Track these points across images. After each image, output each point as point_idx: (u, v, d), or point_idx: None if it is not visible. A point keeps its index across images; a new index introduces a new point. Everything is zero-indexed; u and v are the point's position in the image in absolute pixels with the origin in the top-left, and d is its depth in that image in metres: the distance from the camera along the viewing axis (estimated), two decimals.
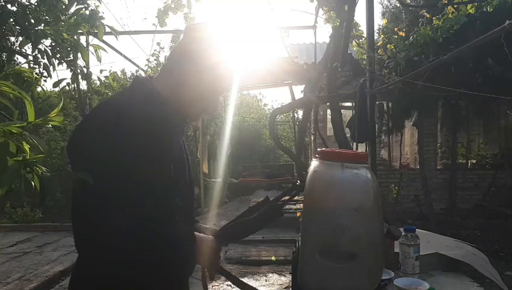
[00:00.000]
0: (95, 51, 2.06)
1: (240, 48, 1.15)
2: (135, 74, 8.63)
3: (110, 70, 7.07)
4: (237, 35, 1.16)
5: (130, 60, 7.54)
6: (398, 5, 7.69)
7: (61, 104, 0.89)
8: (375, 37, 4.69)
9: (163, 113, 1.03)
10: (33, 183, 0.76)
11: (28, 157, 0.75)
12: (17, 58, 2.09)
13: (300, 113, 9.19)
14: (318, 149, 1.17)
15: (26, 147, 0.75)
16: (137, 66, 8.14)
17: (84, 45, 2.19)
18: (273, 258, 4.50)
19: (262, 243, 5.33)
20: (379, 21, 15.59)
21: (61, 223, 6.63)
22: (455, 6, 4.63)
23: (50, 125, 0.83)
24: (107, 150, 0.92)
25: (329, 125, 6.33)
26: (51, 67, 2.01)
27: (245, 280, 4.23)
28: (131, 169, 0.92)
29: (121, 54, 6.73)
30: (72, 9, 2.00)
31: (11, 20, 1.88)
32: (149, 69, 7.99)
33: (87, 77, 2.25)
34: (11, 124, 0.74)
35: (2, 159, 0.69)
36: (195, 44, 1.07)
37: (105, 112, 1.00)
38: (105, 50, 2.14)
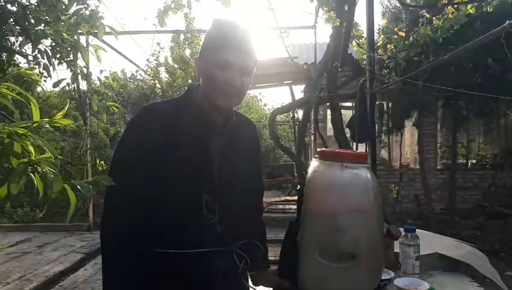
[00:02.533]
0: (95, 51, 2.06)
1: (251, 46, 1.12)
2: (135, 74, 8.63)
3: (110, 70, 7.07)
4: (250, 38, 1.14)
5: (130, 60, 7.54)
6: (398, 5, 7.69)
7: (66, 107, 0.90)
8: (375, 37, 4.70)
9: (182, 115, 1.11)
10: (35, 184, 0.76)
11: (33, 157, 0.75)
12: (17, 58, 2.09)
13: (300, 113, 9.19)
14: (318, 149, 1.17)
15: (31, 147, 0.75)
16: (137, 66, 8.14)
17: (84, 45, 2.18)
18: None
19: None
20: (379, 21, 15.58)
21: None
22: (455, 6, 4.63)
23: (47, 125, 0.84)
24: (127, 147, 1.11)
25: (329, 125, 6.33)
26: (51, 67, 2.01)
27: None
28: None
29: (121, 54, 6.73)
30: (72, 10, 2.00)
31: (11, 20, 1.88)
32: (149, 69, 7.98)
33: (87, 77, 2.25)
34: (17, 124, 0.74)
35: (6, 158, 0.69)
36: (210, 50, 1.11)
37: (140, 110, 1.16)
38: (105, 50, 2.14)
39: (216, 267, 1.12)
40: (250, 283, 1.26)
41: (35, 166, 0.77)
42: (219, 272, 1.12)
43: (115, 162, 1.10)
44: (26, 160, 0.74)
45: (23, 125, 0.75)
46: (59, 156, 0.80)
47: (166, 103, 1.21)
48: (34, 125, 0.77)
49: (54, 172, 0.78)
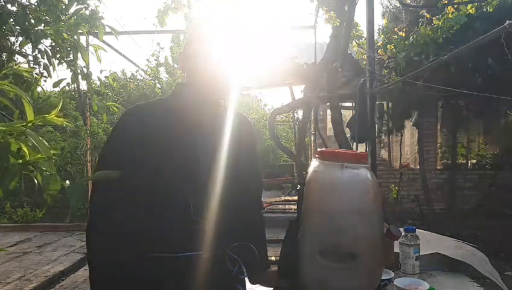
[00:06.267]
0: (95, 51, 2.06)
1: (236, 42, 1.14)
2: (135, 74, 8.63)
3: (110, 70, 7.07)
4: (237, 34, 1.15)
5: (130, 60, 7.54)
6: (398, 5, 7.69)
7: (60, 105, 0.90)
8: (375, 37, 4.69)
9: (164, 114, 1.10)
10: (36, 181, 0.77)
11: (27, 158, 0.75)
12: (17, 58, 2.09)
13: (300, 113, 9.18)
14: (318, 149, 1.17)
15: (25, 147, 0.75)
16: (137, 66, 8.14)
17: (84, 45, 2.18)
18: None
19: None
20: (379, 21, 15.58)
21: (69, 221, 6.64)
22: (455, 6, 4.63)
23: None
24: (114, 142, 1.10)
25: (329, 125, 6.33)
26: (51, 67, 2.01)
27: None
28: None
29: (121, 54, 6.73)
30: (72, 9, 2.00)
31: (11, 20, 1.88)
32: (149, 69, 7.97)
33: (87, 77, 2.25)
34: (12, 124, 0.74)
35: (4, 158, 0.69)
36: (191, 44, 1.15)
37: (124, 112, 1.15)
38: (105, 50, 2.14)
39: (206, 272, 1.09)
40: (247, 287, 1.24)
41: (31, 166, 0.77)
42: (209, 277, 1.09)
43: (100, 166, 1.07)
44: (21, 161, 0.74)
45: (18, 125, 0.75)
46: (56, 157, 0.81)
47: (152, 103, 1.19)
48: (29, 124, 0.77)
49: (50, 172, 0.78)
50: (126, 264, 1.03)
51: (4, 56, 1.99)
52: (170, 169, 1.05)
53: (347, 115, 8.15)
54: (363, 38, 4.44)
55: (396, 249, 1.46)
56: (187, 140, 1.10)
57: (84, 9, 2.04)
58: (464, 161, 8.28)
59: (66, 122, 0.91)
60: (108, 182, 0.97)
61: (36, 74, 1.98)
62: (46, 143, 0.77)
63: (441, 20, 4.76)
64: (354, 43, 4.74)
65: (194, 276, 1.07)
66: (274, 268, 1.27)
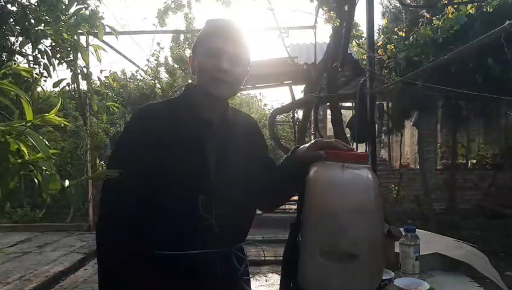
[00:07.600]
0: (95, 51, 2.06)
1: (241, 41, 1.14)
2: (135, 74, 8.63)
3: (110, 70, 7.06)
4: (241, 34, 1.16)
5: (130, 60, 7.53)
6: (398, 5, 7.69)
7: (58, 104, 0.90)
8: (375, 37, 4.69)
9: (173, 112, 1.13)
10: (36, 181, 0.77)
11: (26, 157, 0.76)
12: (17, 58, 2.09)
13: (300, 113, 9.18)
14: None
15: (24, 147, 0.75)
16: (137, 66, 8.14)
17: (84, 45, 2.18)
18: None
19: (262, 243, 5.30)
20: (379, 21, 15.59)
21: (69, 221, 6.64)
22: (455, 6, 4.63)
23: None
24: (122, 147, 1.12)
25: (329, 125, 6.33)
26: (51, 67, 2.01)
27: None
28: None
29: (121, 54, 6.73)
30: (72, 10, 2.00)
31: (11, 20, 1.88)
32: (149, 69, 7.97)
33: (87, 77, 2.25)
34: (12, 124, 0.75)
35: (4, 158, 0.69)
36: (199, 43, 1.16)
37: (137, 111, 1.18)
38: (105, 50, 2.13)
39: (214, 269, 1.10)
40: (251, 287, 1.25)
41: (31, 165, 0.77)
42: (217, 274, 1.11)
43: (112, 162, 1.09)
44: (19, 160, 0.74)
45: (17, 125, 0.75)
46: (56, 157, 0.81)
47: (163, 103, 1.22)
48: (29, 124, 0.77)
49: (49, 172, 0.78)
50: (136, 264, 1.05)
51: (4, 56, 1.99)
52: (180, 167, 1.07)
53: (347, 115, 8.16)
54: (363, 38, 4.44)
55: (397, 249, 1.46)
56: (197, 139, 1.12)
57: (84, 9, 2.03)
58: (464, 161, 8.29)
59: (65, 122, 0.91)
60: (118, 182, 0.98)
61: (36, 74, 1.97)
62: (45, 143, 0.77)
63: (441, 20, 4.76)
64: (354, 43, 4.74)
65: (201, 274, 1.09)
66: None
